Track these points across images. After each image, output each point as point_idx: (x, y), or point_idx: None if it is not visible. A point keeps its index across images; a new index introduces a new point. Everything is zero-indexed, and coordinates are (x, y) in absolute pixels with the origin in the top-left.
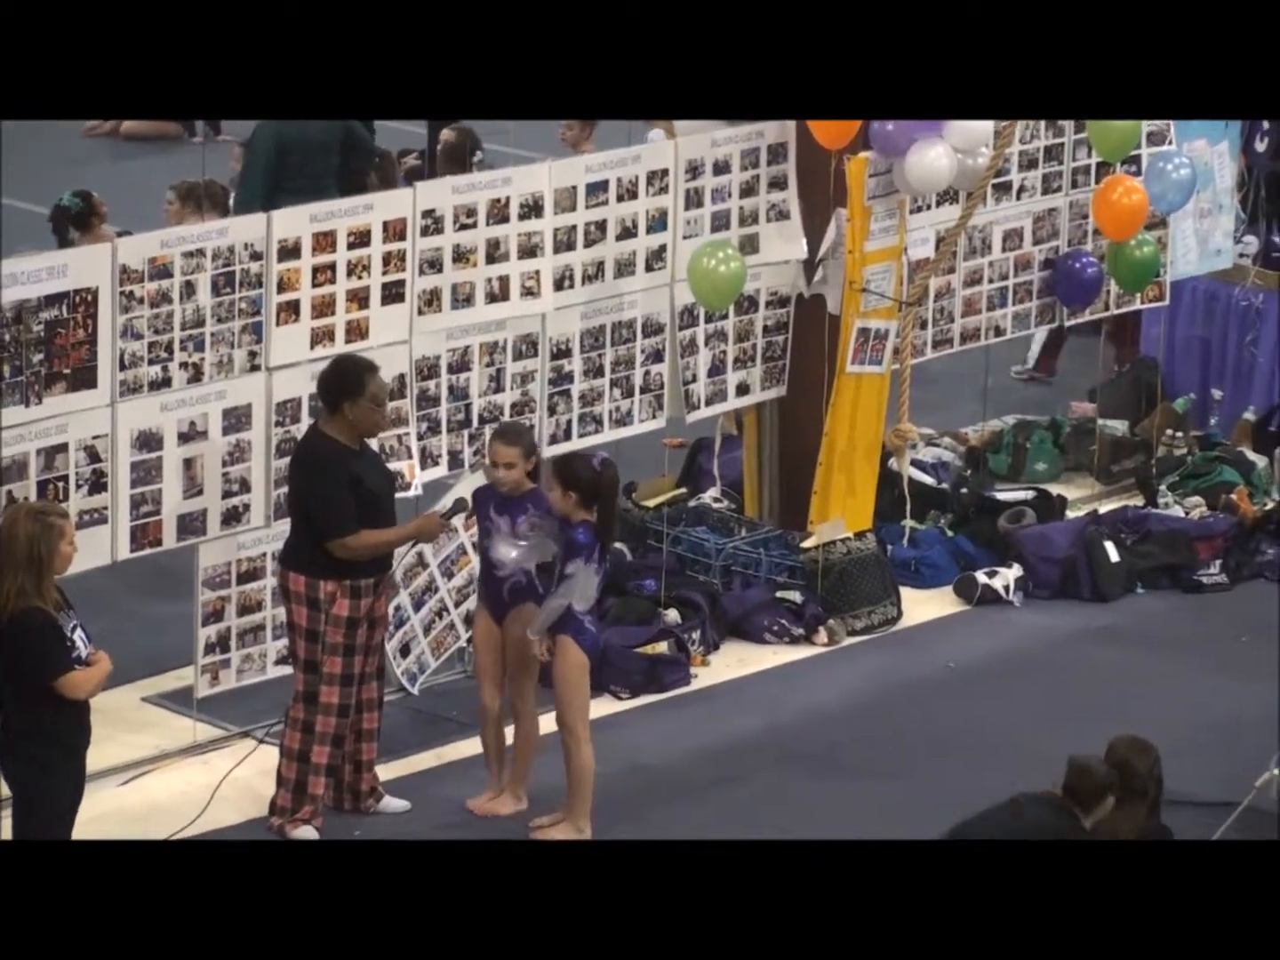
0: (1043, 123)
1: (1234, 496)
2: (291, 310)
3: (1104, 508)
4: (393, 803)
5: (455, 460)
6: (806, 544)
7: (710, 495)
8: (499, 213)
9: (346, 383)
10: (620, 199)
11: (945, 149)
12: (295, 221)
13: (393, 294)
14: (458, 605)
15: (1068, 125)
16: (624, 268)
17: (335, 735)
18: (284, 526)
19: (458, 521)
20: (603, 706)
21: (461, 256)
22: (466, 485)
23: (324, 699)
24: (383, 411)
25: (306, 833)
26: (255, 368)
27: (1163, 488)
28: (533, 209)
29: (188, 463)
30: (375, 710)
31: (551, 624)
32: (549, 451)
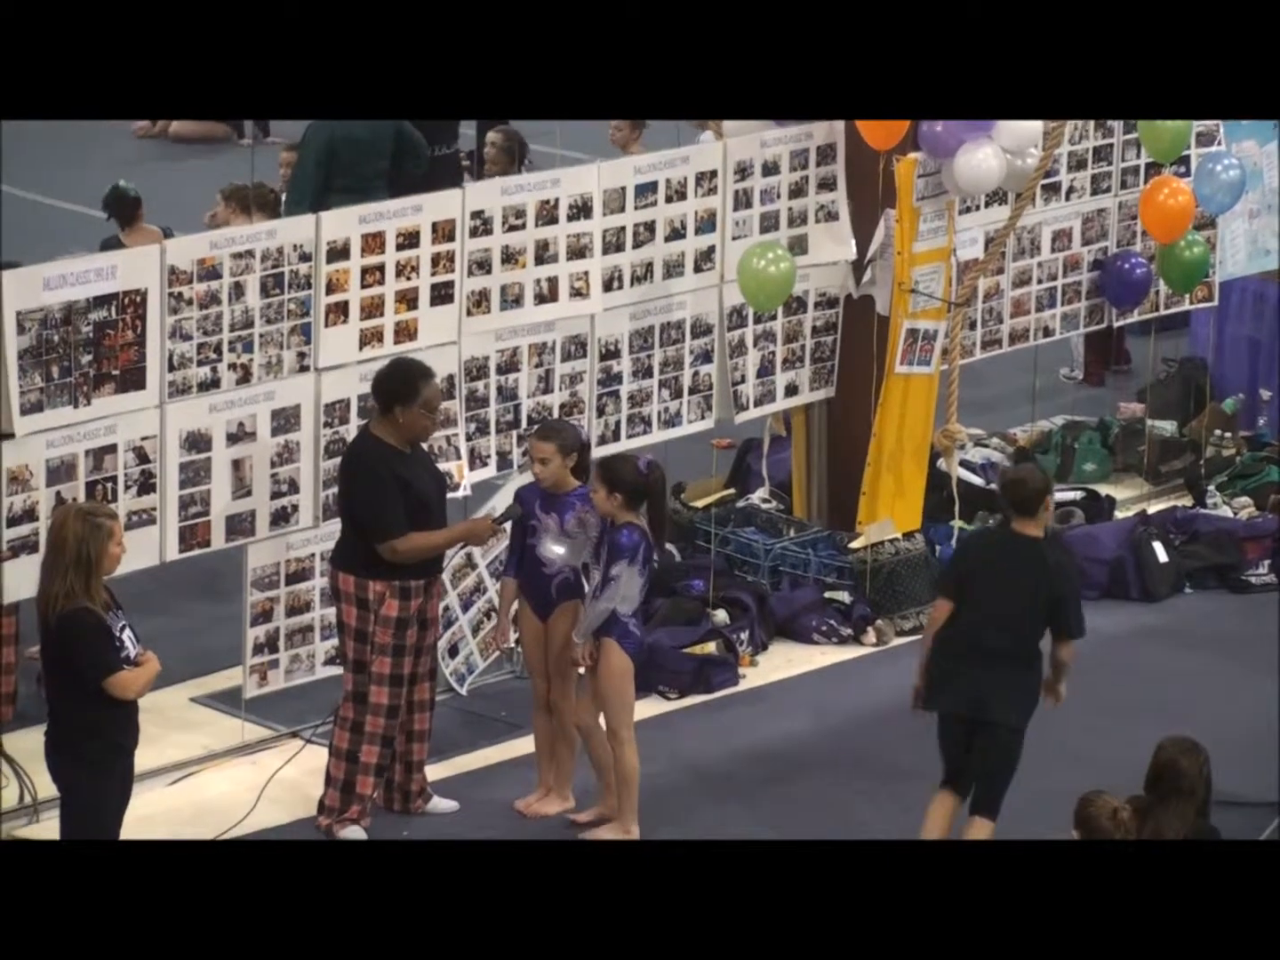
0: (1092, 123)
1: None
2: (340, 311)
3: (1152, 508)
4: (441, 803)
5: (504, 461)
6: (855, 544)
7: (759, 496)
8: (548, 214)
9: (401, 388)
10: (669, 200)
11: (994, 150)
12: (344, 223)
13: (441, 295)
14: (502, 604)
15: (1117, 126)
16: (673, 269)
17: (384, 735)
18: (332, 527)
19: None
20: (651, 707)
21: (510, 257)
22: (515, 486)
23: (373, 699)
24: (434, 417)
25: (354, 832)
26: (304, 369)
27: (1211, 488)
28: (581, 210)
29: (236, 464)
30: (427, 711)
31: (596, 627)
32: (598, 453)
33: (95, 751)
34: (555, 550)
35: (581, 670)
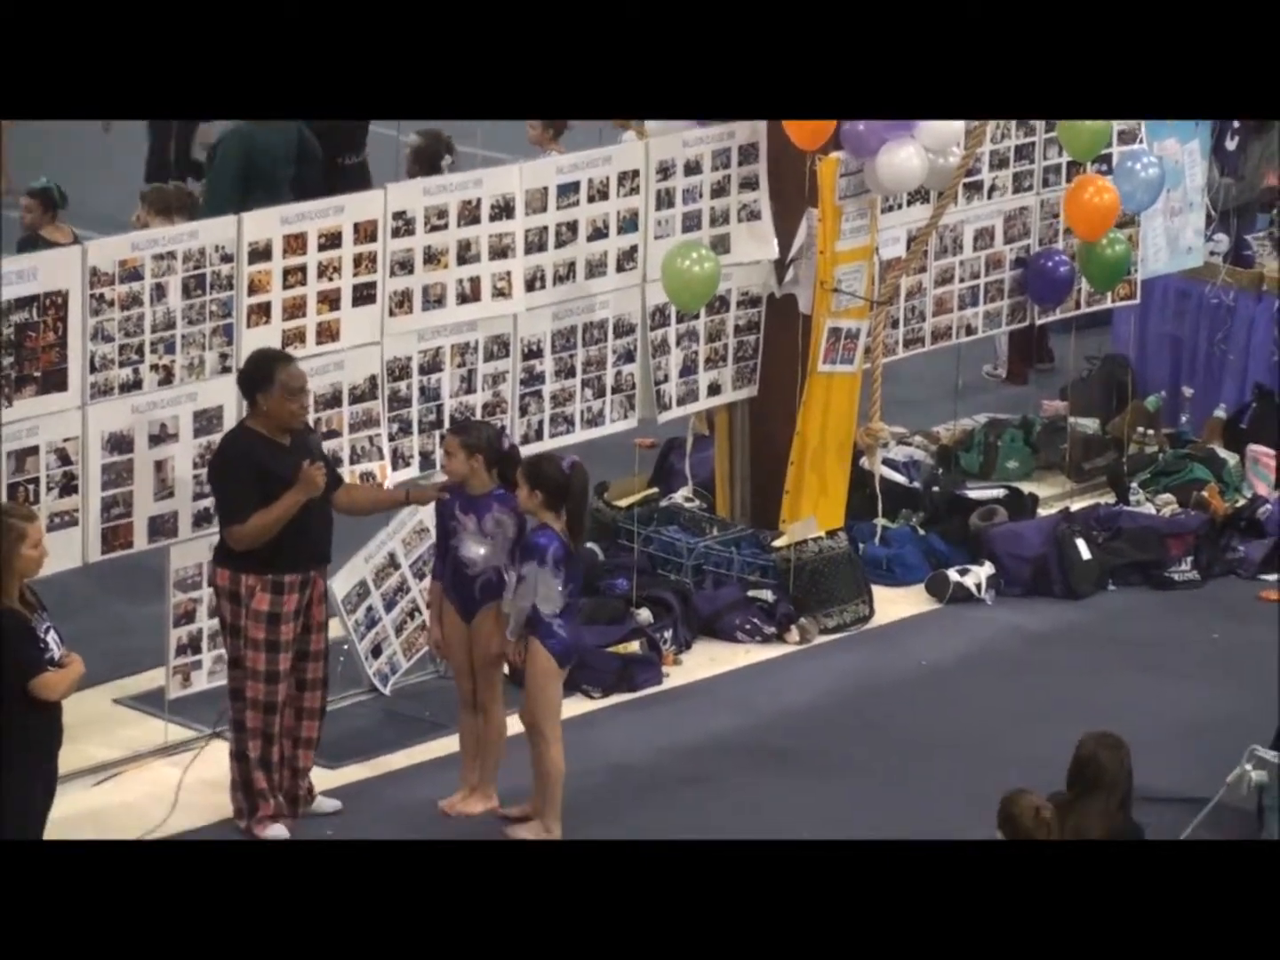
0: (1014, 122)
1: (1205, 493)
2: (262, 312)
3: (1075, 505)
4: (325, 803)
5: (427, 461)
6: (778, 543)
7: (682, 495)
8: (470, 214)
9: (257, 375)
10: (591, 200)
11: (916, 148)
12: (266, 224)
13: (364, 295)
14: (430, 606)
15: (1039, 124)
16: (595, 268)
17: (264, 731)
18: None
19: (428, 516)
20: (575, 706)
21: (433, 258)
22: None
23: (249, 694)
24: (298, 400)
25: (277, 831)
26: (226, 370)
27: (1134, 485)
28: (504, 210)
29: (159, 465)
30: (316, 720)
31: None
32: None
33: (18, 753)
34: (476, 551)
35: (507, 670)
